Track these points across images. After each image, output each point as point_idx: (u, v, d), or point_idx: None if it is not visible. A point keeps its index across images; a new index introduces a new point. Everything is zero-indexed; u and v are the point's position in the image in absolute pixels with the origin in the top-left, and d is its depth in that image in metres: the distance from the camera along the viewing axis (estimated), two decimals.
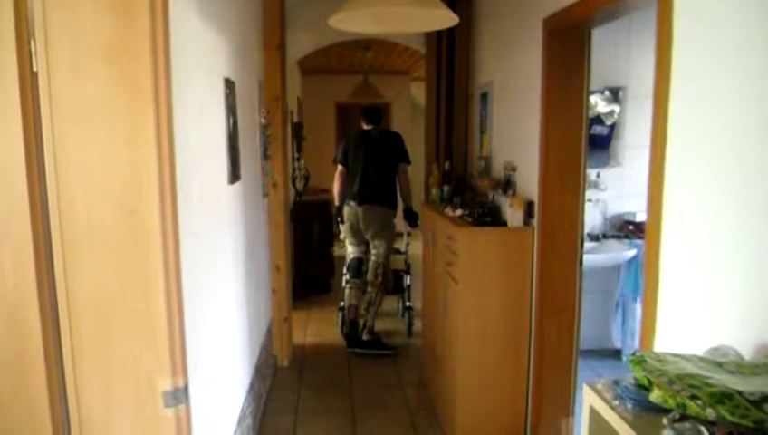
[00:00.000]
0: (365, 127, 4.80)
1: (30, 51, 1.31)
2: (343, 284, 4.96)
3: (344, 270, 5.01)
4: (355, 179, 4.64)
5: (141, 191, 1.39)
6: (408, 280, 5.10)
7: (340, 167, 4.77)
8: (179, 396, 1.51)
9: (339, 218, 4.88)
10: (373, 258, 4.72)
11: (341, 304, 4.97)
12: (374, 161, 4.61)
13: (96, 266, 1.40)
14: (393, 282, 5.19)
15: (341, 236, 4.95)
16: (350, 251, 4.81)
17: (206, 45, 2.27)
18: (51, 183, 1.36)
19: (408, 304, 5.08)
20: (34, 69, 1.32)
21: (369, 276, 4.71)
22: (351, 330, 4.64)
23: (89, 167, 1.36)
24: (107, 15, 1.33)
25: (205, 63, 2.24)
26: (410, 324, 5.00)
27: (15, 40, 1.28)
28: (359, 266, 4.76)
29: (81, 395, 1.45)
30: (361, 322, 4.66)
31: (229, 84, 2.64)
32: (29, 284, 1.35)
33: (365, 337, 4.62)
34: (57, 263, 1.38)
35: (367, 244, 4.77)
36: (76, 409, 1.45)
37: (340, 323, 5.02)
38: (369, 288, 4.69)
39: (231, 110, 2.67)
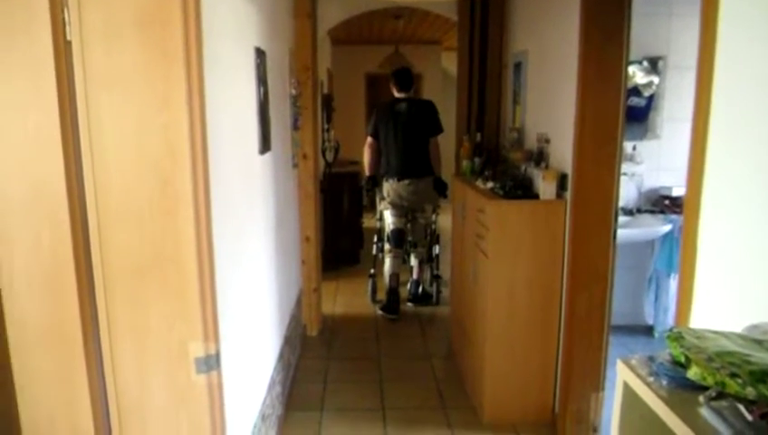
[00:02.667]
0: (396, 94, 4.78)
1: (63, 20, 1.31)
2: (376, 252, 5.22)
3: (376, 239, 5.22)
4: (391, 154, 4.68)
5: (174, 159, 1.39)
6: (436, 249, 5.16)
7: (369, 139, 4.81)
8: (211, 362, 1.54)
9: (370, 188, 5.03)
10: (422, 221, 4.86)
11: (372, 271, 5.17)
12: (408, 134, 4.63)
13: (130, 234, 1.42)
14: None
15: (380, 208, 5.03)
16: (391, 222, 4.86)
17: (237, 13, 2.25)
18: (86, 151, 1.37)
19: (436, 272, 5.17)
20: (68, 38, 1.33)
21: (419, 237, 4.87)
22: (393, 297, 4.75)
23: (123, 135, 1.38)
24: None
25: (236, 32, 2.23)
26: (438, 292, 5.11)
27: (49, 9, 1.28)
28: (401, 237, 4.82)
29: (116, 361, 1.48)
30: (408, 284, 5.01)
31: (260, 54, 2.63)
32: (66, 251, 1.38)
33: (420, 292, 5.00)
34: (92, 230, 1.41)
35: (408, 215, 4.84)
36: (112, 374, 1.49)
37: (370, 290, 5.17)
38: (419, 248, 4.88)
39: (262, 80, 2.66)
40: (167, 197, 1.41)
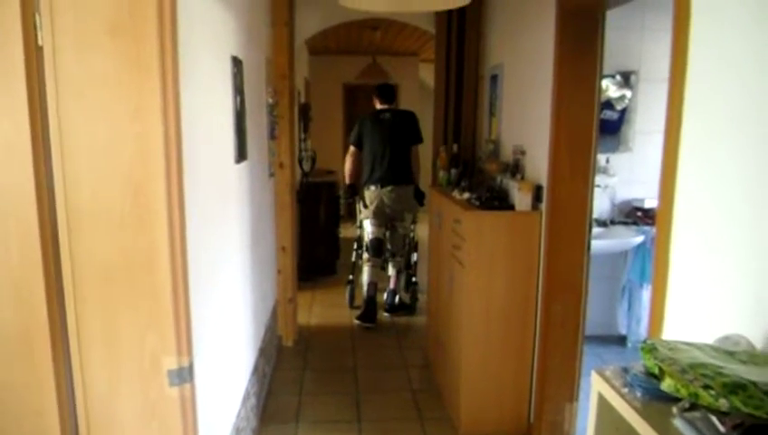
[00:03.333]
0: (379, 106, 4.93)
1: (35, 25, 1.29)
2: (355, 259, 5.27)
3: (356, 247, 5.28)
4: (374, 162, 4.79)
5: (147, 168, 1.37)
6: (414, 257, 5.24)
7: (352, 148, 4.94)
8: (184, 375, 1.51)
9: (350, 196, 5.18)
10: (401, 230, 4.94)
11: (350, 277, 5.25)
12: (391, 143, 4.75)
13: (101, 243, 1.39)
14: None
15: (361, 217, 5.08)
16: (371, 231, 4.91)
17: (213, 22, 2.23)
18: (56, 159, 1.34)
19: (413, 279, 5.25)
20: (39, 43, 1.30)
21: (397, 246, 4.93)
22: (370, 306, 4.80)
23: (94, 143, 1.35)
24: None
25: (212, 41, 2.21)
26: (415, 299, 5.18)
27: (21, 13, 1.26)
28: (379, 246, 4.90)
29: (86, 373, 1.45)
30: (385, 293, 5.03)
31: (237, 63, 2.61)
32: (35, 260, 1.34)
33: (397, 302, 5.01)
34: (62, 239, 1.38)
35: (387, 225, 4.91)
36: (81, 386, 1.45)
37: (348, 296, 5.24)
38: (397, 258, 4.94)
39: (238, 88, 2.64)
40: (139, 205, 1.38)
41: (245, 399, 2.83)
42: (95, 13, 1.31)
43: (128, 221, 1.39)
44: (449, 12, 4.18)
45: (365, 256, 4.95)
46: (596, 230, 3.85)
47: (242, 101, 2.73)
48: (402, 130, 4.79)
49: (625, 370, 1.15)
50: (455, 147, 4.12)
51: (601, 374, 1.19)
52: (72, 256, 1.38)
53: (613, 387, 1.13)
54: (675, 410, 0.99)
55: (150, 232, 1.40)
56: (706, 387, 0.86)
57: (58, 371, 1.41)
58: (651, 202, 4.06)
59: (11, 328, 1.37)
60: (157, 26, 1.34)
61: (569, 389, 2.87)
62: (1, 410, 1.41)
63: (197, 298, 1.81)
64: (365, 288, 4.85)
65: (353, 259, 5.32)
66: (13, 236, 1.33)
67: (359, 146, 4.89)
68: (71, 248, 1.38)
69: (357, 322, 4.79)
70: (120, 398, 1.47)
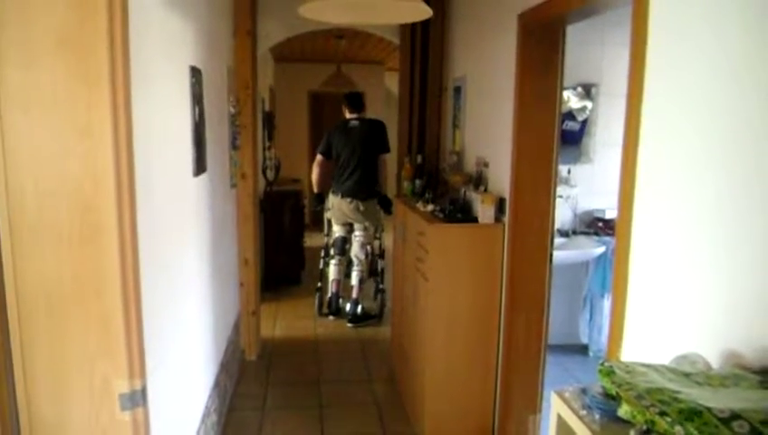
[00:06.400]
0: (348, 115, 5.01)
1: None
2: (322, 266, 5.33)
3: (323, 254, 5.35)
4: (341, 172, 4.90)
5: (96, 186, 1.32)
6: (381, 264, 5.28)
7: (319, 157, 5.03)
8: (137, 398, 1.45)
9: (318, 205, 5.31)
10: (362, 239, 5.01)
11: (318, 284, 5.31)
12: (358, 153, 4.84)
13: (48, 265, 1.33)
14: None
15: (327, 216, 5.22)
16: (336, 230, 5.10)
17: (169, 32, 2.18)
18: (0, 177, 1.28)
19: (381, 286, 5.28)
20: None
21: (359, 255, 5.02)
22: (335, 301, 5.09)
23: (40, 160, 1.29)
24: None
25: (168, 51, 2.16)
26: (383, 306, 5.21)
27: None
28: (343, 244, 5.08)
29: (31, 399, 1.38)
30: (348, 302, 5.08)
31: (195, 73, 2.56)
32: None
33: (359, 312, 5.03)
34: (6, 260, 1.31)
35: (351, 225, 5.04)
36: (27, 412, 1.39)
37: (317, 303, 5.28)
38: (360, 268, 5.04)
39: (197, 99, 2.58)
40: (88, 224, 1.33)
41: (205, 416, 2.76)
42: (42, 23, 1.26)
43: (76, 241, 1.33)
44: (413, 24, 4.19)
45: (331, 252, 5.12)
46: (558, 240, 3.89)
47: (201, 112, 2.67)
48: (370, 139, 4.87)
49: (584, 391, 1.15)
50: (419, 158, 4.12)
51: (561, 395, 1.18)
52: (16, 277, 1.32)
53: (572, 409, 1.13)
54: (632, 433, 0.98)
55: (100, 252, 1.35)
56: (662, 414, 0.85)
57: (1, 398, 1.34)
58: (612, 213, 4.13)
59: None
60: (107, 38, 1.29)
61: (532, 401, 2.88)
62: None
63: (152, 318, 1.75)
64: (330, 285, 5.10)
65: (321, 267, 5.37)
66: None
67: (327, 155, 4.97)
68: (15, 269, 1.31)
69: (349, 325, 4.97)
70: (69, 425, 1.41)
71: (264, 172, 5.84)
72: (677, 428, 0.82)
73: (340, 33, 6.41)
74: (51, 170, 1.30)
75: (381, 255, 5.30)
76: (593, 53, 4.16)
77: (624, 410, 0.96)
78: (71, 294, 1.35)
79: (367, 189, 4.87)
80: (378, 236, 5.22)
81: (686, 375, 1.03)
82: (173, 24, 2.22)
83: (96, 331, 1.38)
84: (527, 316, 2.85)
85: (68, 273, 1.34)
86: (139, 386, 1.46)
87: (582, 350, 4.33)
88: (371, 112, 8.88)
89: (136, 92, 1.44)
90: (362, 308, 5.06)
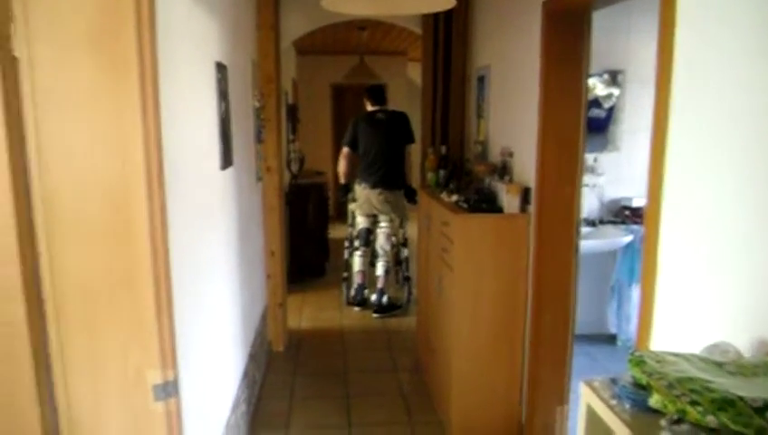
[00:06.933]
0: (370, 108, 5.05)
1: (9, 34, 1.26)
2: (347, 256, 5.35)
3: (347, 244, 5.38)
4: (368, 163, 4.93)
5: (128, 181, 1.35)
6: (405, 252, 5.32)
7: (346, 149, 5.05)
8: (169, 389, 1.49)
9: (343, 196, 5.37)
10: (387, 230, 5.04)
11: (345, 274, 5.37)
12: (385, 145, 4.88)
13: (82, 259, 1.36)
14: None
15: (351, 208, 5.23)
16: (360, 221, 5.13)
17: (196, 28, 2.21)
18: (34, 174, 1.31)
19: (406, 274, 5.32)
20: (14, 53, 1.27)
21: (385, 247, 5.05)
22: (360, 293, 5.14)
23: (74, 157, 1.32)
24: None
25: (195, 48, 2.18)
26: (409, 293, 5.26)
27: None
28: (367, 235, 5.11)
29: (69, 390, 1.42)
30: (373, 292, 5.13)
31: (221, 69, 2.59)
32: (14, 277, 1.31)
33: (385, 302, 5.05)
34: (42, 256, 1.34)
35: (376, 216, 5.06)
36: (65, 403, 1.43)
37: (345, 292, 5.35)
38: (386, 258, 5.06)
39: (223, 95, 2.61)
40: (121, 219, 1.36)
41: (235, 406, 2.80)
42: (72, 19, 1.28)
43: (109, 234, 1.36)
44: (436, 13, 4.16)
45: (355, 244, 5.15)
46: (585, 230, 3.85)
47: (227, 107, 2.70)
48: (396, 131, 4.91)
49: (613, 381, 1.14)
50: (443, 148, 4.11)
51: (590, 386, 1.18)
52: (52, 272, 1.35)
53: (602, 399, 1.12)
54: (663, 422, 0.98)
55: (132, 244, 1.38)
56: (694, 403, 0.85)
57: (40, 390, 1.37)
58: (639, 201, 4.07)
59: None
60: (135, 36, 1.31)
61: (559, 392, 2.87)
62: None
63: (183, 309, 1.79)
64: (354, 277, 5.15)
65: (345, 257, 5.41)
66: None
67: (353, 147, 5.00)
68: (51, 265, 1.35)
69: (375, 315, 5.00)
70: (106, 415, 1.45)
71: (288, 165, 5.88)
72: (710, 417, 0.82)
73: (362, 25, 6.40)
74: (83, 165, 1.33)
75: (405, 243, 5.34)
76: (619, 39, 4.09)
77: (655, 400, 0.95)
78: (104, 288, 1.39)
79: (395, 180, 4.92)
80: (402, 226, 5.24)
81: (718, 365, 1.02)
82: (198, 20, 2.25)
83: (129, 323, 1.41)
84: (554, 306, 2.83)
85: (102, 266, 1.38)
86: (172, 377, 1.49)
87: (610, 339, 4.29)
88: (394, 103, 8.89)
89: (164, 90, 1.46)
90: (388, 298, 5.09)
